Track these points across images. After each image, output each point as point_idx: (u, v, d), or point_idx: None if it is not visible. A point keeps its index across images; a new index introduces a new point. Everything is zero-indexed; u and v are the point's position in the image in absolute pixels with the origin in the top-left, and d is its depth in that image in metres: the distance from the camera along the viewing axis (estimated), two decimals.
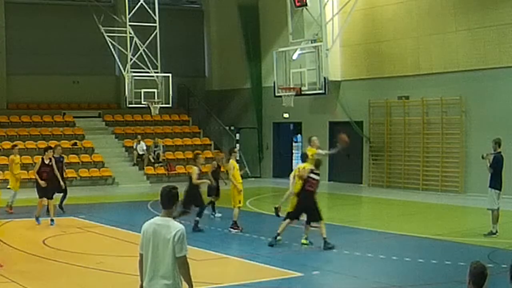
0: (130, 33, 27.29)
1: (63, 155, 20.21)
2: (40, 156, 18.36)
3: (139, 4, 27.20)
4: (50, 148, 18.55)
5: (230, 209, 16.86)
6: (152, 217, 6.49)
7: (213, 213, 18.97)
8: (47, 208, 17.51)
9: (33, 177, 27.09)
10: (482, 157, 15.94)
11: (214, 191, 18.74)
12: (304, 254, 14.07)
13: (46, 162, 17.64)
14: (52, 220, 17.17)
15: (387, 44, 26.54)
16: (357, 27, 27.21)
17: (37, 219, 17.23)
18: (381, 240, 15.25)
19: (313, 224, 14.43)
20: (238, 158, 17.94)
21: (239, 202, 16.56)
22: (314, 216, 14.26)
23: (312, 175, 14.34)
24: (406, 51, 25.89)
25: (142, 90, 27.20)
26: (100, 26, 27.55)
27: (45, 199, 17.28)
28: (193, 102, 34.84)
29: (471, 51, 23.54)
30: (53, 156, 19.33)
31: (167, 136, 32.32)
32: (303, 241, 14.58)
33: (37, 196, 17.42)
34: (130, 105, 27.64)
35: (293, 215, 14.50)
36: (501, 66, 22.62)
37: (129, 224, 16.85)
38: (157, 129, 32.45)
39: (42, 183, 17.15)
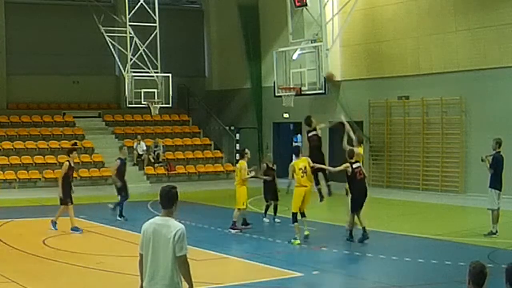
0: (130, 33, 27.28)
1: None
2: (66, 160, 16.75)
3: (139, 4, 27.19)
4: (75, 149, 17.39)
5: (232, 209, 16.89)
6: (152, 217, 6.49)
7: (274, 216, 17.79)
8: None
9: (33, 177, 27.53)
10: (482, 160, 15.94)
11: (271, 193, 17.83)
12: (304, 254, 14.09)
13: (73, 164, 16.58)
14: (55, 224, 16.53)
15: (387, 44, 26.53)
16: (357, 27, 27.21)
17: (54, 224, 16.33)
18: (381, 240, 15.24)
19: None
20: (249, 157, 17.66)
21: (242, 204, 16.55)
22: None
23: (354, 165, 14.82)
24: (406, 51, 25.88)
25: (142, 90, 27.18)
26: (100, 26, 27.53)
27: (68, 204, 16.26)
28: (193, 102, 34.82)
29: (471, 51, 23.53)
30: (119, 159, 18.73)
31: (167, 136, 32.32)
32: (297, 241, 14.73)
33: (61, 201, 16.28)
34: (130, 105, 27.62)
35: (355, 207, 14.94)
36: (501, 66, 22.60)
37: (129, 224, 16.85)
38: (157, 129, 32.45)
39: (60, 194, 16.09)
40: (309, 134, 16.30)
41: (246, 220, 16.85)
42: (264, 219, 18.03)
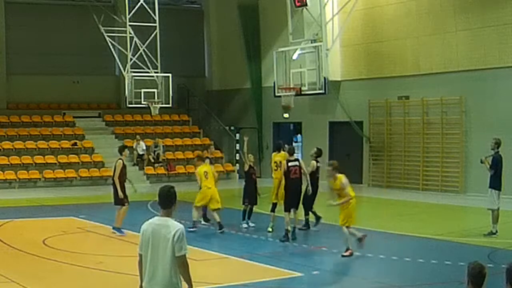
0: (130, 33, 27.30)
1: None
2: (119, 158, 16.01)
3: (139, 4, 27.20)
4: (127, 147, 16.53)
5: (231, 210, 16.87)
6: (152, 217, 6.49)
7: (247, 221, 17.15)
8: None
9: (33, 177, 27.52)
10: (481, 162, 15.94)
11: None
12: (304, 254, 14.08)
13: (125, 163, 16.04)
14: (120, 230, 15.91)
15: (387, 44, 26.54)
16: (357, 27, 27.21)
17: (119, 229, 15.77)
18: (381, 240, 15.24)
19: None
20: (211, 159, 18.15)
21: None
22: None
23: (290, 164, 15.09)
24: (406, 51, 25.89)
25: (142, 90, 27.21)
26: (100, 26, 27.54)
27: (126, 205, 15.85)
28: (193, 102, 34.85)
29: (471, 51, 23.53)
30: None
31: (167, 136, 32.32)
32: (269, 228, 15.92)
33: (118, 204, 15.80)
34: (130, 105, 27.66)
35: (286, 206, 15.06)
36: (501, 66, 22.61)
37: (129, 224, 16.81)
38: (157, 129, 32.46)
39: (121, 194, 15.56)
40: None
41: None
42: (244, 224, 17.07)
